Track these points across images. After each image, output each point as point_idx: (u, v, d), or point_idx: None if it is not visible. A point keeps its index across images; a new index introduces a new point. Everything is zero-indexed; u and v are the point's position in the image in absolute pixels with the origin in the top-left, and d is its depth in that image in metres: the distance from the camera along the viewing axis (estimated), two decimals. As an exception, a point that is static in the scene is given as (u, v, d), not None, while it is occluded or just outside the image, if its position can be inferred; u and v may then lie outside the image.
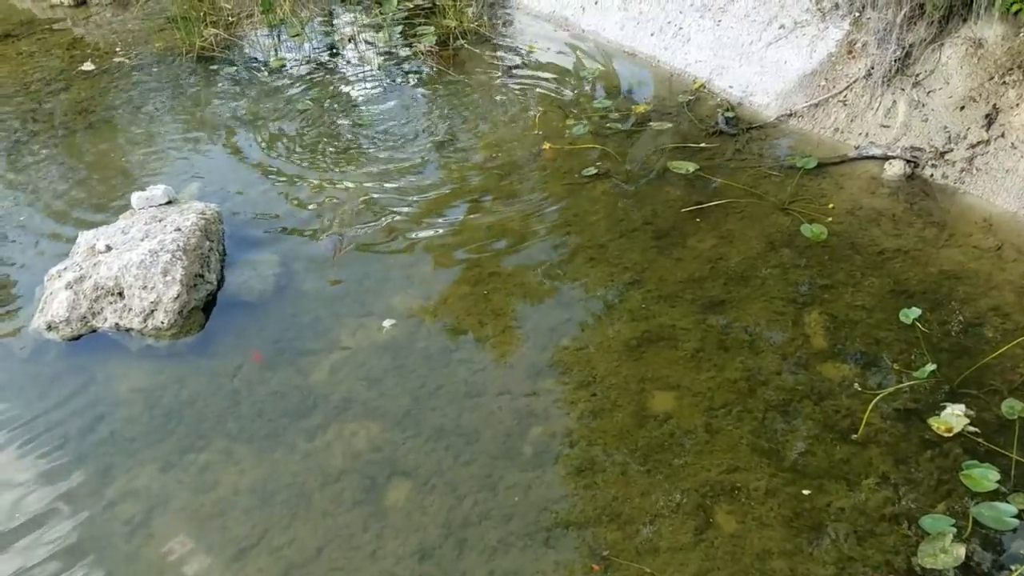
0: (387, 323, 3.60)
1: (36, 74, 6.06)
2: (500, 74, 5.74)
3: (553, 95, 5.41)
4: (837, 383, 3.20)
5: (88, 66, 6.11)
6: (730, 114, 4.98)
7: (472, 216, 4.26)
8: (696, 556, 2.67)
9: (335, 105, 5.47)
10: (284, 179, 4.66)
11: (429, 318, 3.63)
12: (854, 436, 3.00)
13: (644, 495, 2.85)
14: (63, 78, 5.97)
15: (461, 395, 3.25)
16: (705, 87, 5.29)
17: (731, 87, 5.20)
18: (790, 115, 4.88)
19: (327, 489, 2.95)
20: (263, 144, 5.03)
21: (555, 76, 5.64)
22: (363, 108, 5.42)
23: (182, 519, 2.89)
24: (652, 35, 5.79)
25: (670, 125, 4.97)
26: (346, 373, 3.39)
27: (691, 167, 4.52)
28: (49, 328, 3.58)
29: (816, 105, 4.81)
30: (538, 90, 5.49)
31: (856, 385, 3.18)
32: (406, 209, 4.34)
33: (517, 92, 5.51)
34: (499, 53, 6.04)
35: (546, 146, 4.80)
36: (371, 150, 4.92)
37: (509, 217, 4.22)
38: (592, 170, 4.56)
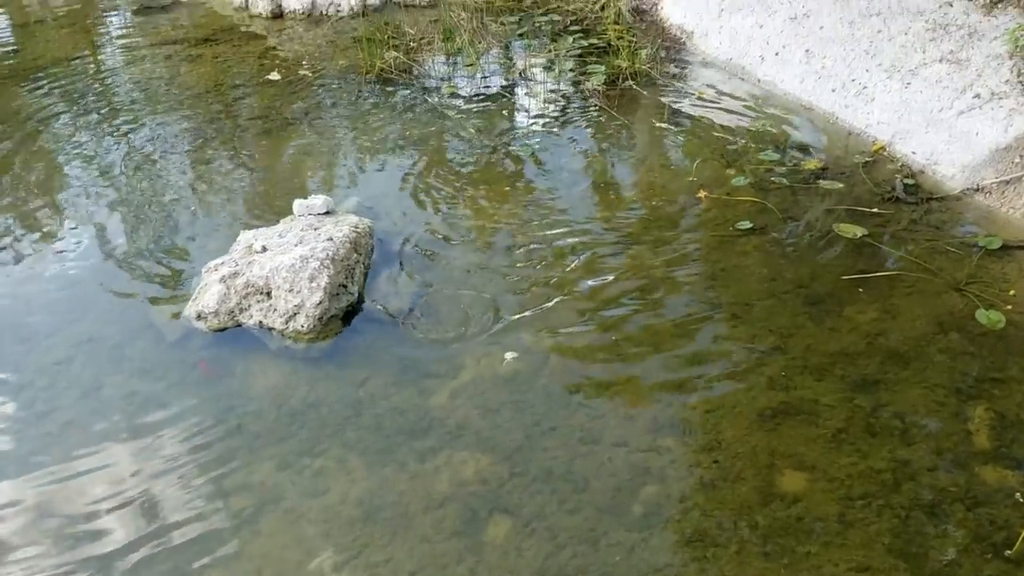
0: (509, 355, 3.55)
1: (227, 79, 6.54)
2: (665, 118, 5.62)
3: (717, 143, 5.23)
4: (996, 490, 2.84)
5: (275, 76, 6.52)
6: (909, 181, 4.63)
7: (614, 259, 4.15)
8: (809, 657, 2.42)
9: (497, 136, 5.54)
10: (437, 204, 4.74)
11: (555, 356, 3.54)
12: (1008, 552, 2.64)
13: (758, 579, 2.62)
14: (251, 84, 6.41)
15: (575, 440, 3.13)
16: (885, 150, 4.96)
17: (914, 153, 4.84)
18: (976, 190, 4.48)
19: (429, 514, 2.91)
20: (423, 167, 5.15)
21: (722, 125, 5.47)
22: (523, 141, 5.46)
23: (289, 520, 2.93)
24: (833, 91, 5.51)
25: (841, 186, 4.68)
26: (464, 400, 3.35)
27: (859, 232, 4.22)
28: (199, 317, 3.78)
29: (1007, 182, 4.39)
30: (702, 137, 5.33)
31: (1019, 496, 2.81)
32: (549, 245, 4.29)
33: (680, 138, 5.37)
34: (667, 97, 5.93)
35: (702, 194, 4.64)
36: (525, 183, 4.93)
37: (652, 264, 4.09)
38: (747, 223, 4.35)
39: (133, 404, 3.42)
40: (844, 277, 3.92)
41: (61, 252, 4.45)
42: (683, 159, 5.09)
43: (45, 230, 4.66)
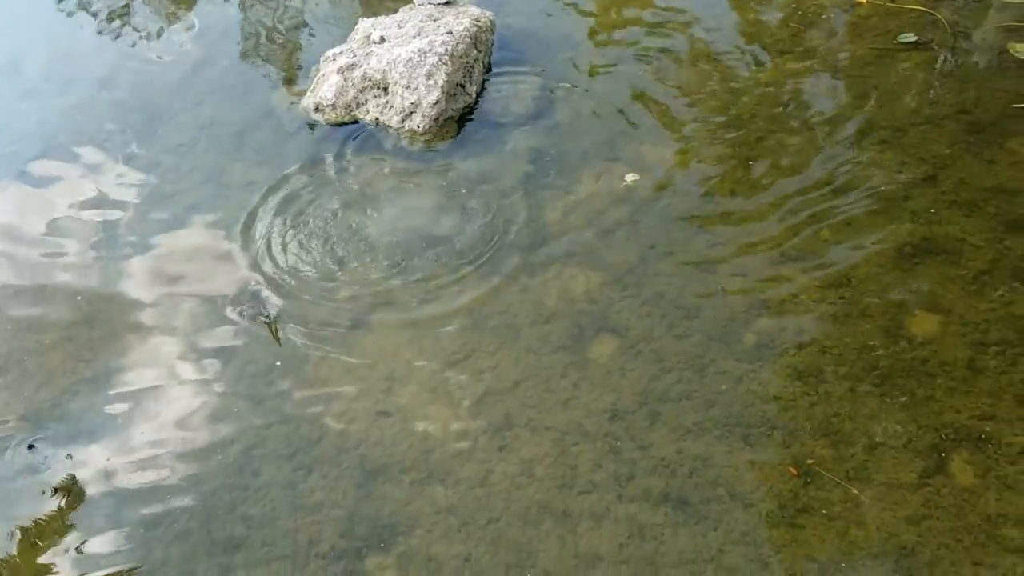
0: (630, 177, 3.37)
1: None
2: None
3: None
4: None
5: None
6: (1113, -7, 3.96)
7: (754, 70, 3.80)
8: (915, 499, 2.35)
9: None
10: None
11: (679, 175, 3.35)
12: None
13: (872, 418, 2.53)
14: None
15: (691, 265, 3.01)
16: (1089, -46, 4.23)
17: (1126, -42, 4.11)
18: None
19: (536, 327, 2.91)
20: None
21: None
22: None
23: (402, 322, 2.99)
24: None
25: (1026, -2, 4.06)
26: (579, 216, 3.25)
27: (1039, 53, 3.70)
28: (316, 109, 3.74)
29: None
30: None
31: None
32: (681, 52, 3.96)
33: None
34: None
35: None
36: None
37: (798, 76, 3.72)
38: (911, 36, 3.86)
39: (253, 193, 3.48)
40: (1014, 105, 3.47)
41: (186, 31, 4.43)
42: (844, -43, 4.50)
43: (167, 11, 4.63)
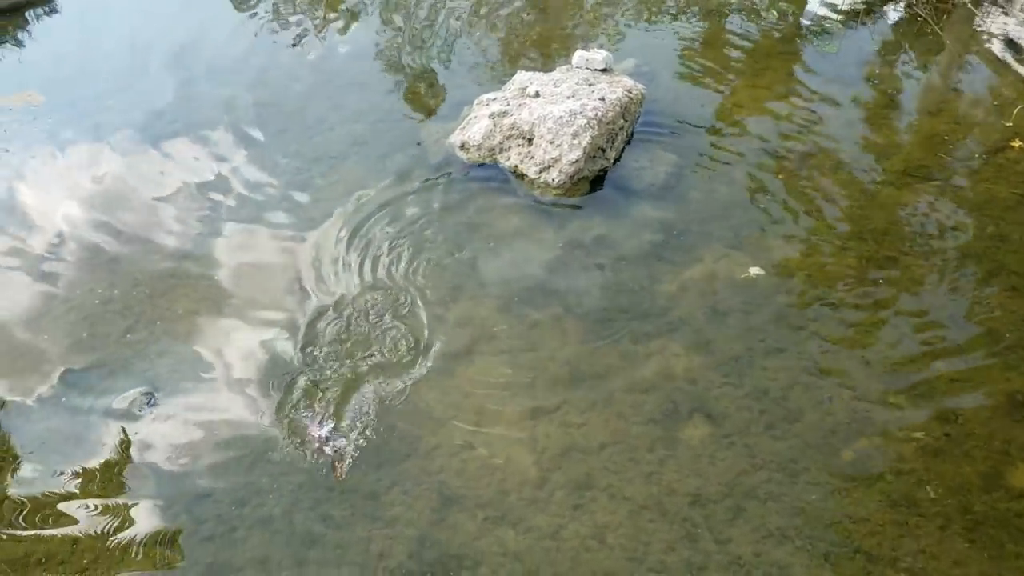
0: (753, 270, 3.39)
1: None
2: (994, 50, 4.92)
3: (1050, 88, 4.54)
4: None
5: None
6: None
7: (891, 187, 3.79)
8: (987, 657, 2.28)
9: (790, 16, 5.10)
10: (711, 81, 4.50)
11: (801, 276, 3.36)
12: None
13: (957, 563, 2.46)
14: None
15: (800, 368, 3.00)
16: None
17: None
18: None
19: (631, 395, 2.95)
20: (707, 36, 4.87)
21: (1063, 67, 4.71)
22: (817, 30, 4.99)
23: (502, 361, 3.07)
24: None
25: None
26: (692, 296, 3.29)
27: None
28: (462, 147, 3.91)
29: None
30: (1033, 77, 4.64)
31: None
32: (818, 155, 3.99)
33: (1004, 74, 4.70)
34: (1005, 27, 5.16)
35: (1016, 144, 4.08)
36: (803, 79, 4.53)
37: (935, 202, 3.69)
38: (1059, 189, 3.81)
39: (387, 212, 3.65)
40: None
41: (355, 53, 4.72)
42: (1000, 101, 4.46)
43: (334, 28, 4.94)
